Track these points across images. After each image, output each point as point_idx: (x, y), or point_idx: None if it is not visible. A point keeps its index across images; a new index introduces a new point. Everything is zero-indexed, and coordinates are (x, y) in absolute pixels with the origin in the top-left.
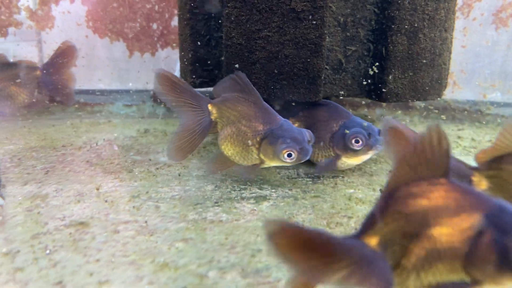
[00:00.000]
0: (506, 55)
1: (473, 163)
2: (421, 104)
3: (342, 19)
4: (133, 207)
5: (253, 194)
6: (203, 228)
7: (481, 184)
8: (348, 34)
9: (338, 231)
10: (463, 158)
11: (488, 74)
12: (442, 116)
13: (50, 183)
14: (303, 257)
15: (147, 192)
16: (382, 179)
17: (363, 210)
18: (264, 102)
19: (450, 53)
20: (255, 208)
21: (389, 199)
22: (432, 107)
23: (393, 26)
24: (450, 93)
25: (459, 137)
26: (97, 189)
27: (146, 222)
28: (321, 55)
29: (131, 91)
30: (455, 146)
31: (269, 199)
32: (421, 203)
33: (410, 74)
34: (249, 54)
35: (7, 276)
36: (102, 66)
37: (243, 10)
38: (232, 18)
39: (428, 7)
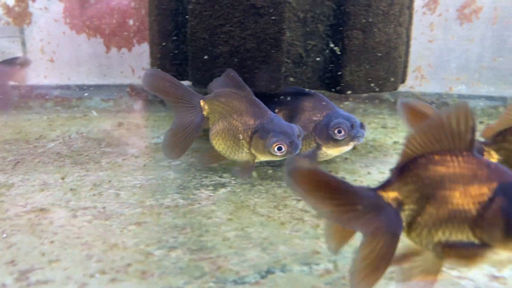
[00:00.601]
0: (471, 50)
1: None
2: (390, 97)
3: (302, 15)
4: (94, 194)
5: (213, 182)
6: (158, 212)
7: (491, 157)
8: (308, 29)
9: (285, 212)
10: None
11: (454, 68)
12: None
13: (18, 174)
14: (318, 196)
15: (110, 181)
16: (338, 166)
17: None
18: (255, 97)
19: (409, 47)
20: (211, 194)
21: (412, 164)
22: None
23: (348, 21)
24: (418, 86)
25: None
26: (63, 178)
27: (104, 208)
28: (280, 49)
29: (109, 86)
30: None
31: (227, 186)
32: (440, 169)
33: (366, 67)
34: (212, 48)
35: None
36: (80, 61)
37: (206, 6)
38: (196, 14)
39: (382, 3)
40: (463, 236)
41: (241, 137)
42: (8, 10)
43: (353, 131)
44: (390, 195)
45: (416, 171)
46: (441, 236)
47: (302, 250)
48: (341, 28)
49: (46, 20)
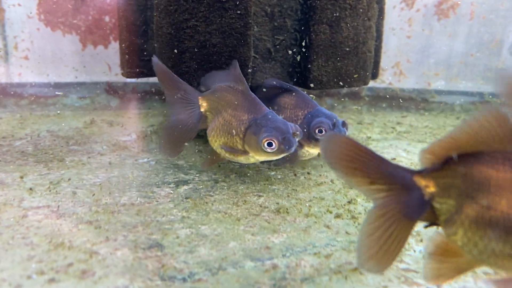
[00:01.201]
0: (448, 45)
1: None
2: (368, 93)
3: (269, 9)
4: (50, 193)
5: (176, 179)
6: (112, 211)
7: None
8: (275, 24)
9: (243, 208)
10: (395, 142)
11: (432, 63)
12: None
13: None
14: (353, 166)
15: (69, 179)
16: (304, 163)
17: (276, 190)
18: (251, 92)
19: (381, 41)
20: (171, 191)
21: (458, 158)
22: (379, 96)
23: (314, 16)
24: (397, 82)
25: (398, 123)
26: (21, 177)
27: (58, 207)
28: (247, 44)
29: (85, 84)
30: (391, 131)
31: (190, 182)
32: (487, 170)
33: (334, 62)
34: (178, 43)
35: None
36: (56, 59)
37: (171, 0)
38: (161, 8)
39: None
40: (506, 247)
41: (234, 133)
42: None
43: (335, 130)
44: (424, 182)
45: (459, 166)
46: (478, 240)
47: (253, 245)
48: (308, 23)
49: (20, 16)
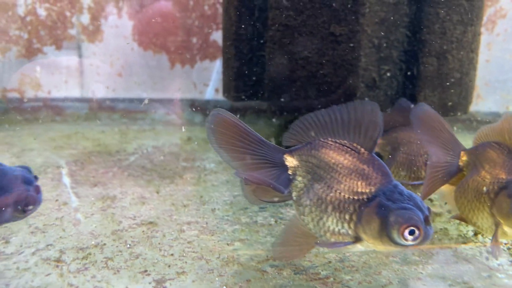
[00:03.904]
0: None
1: None
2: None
3: (376, 41)
4: (191, 208)
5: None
6: (256, 230)
7: None
8: (382, 55)
9: None
10: None
11: None
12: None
13: (115, 186)
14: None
15: (201, 196)
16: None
17: None
18: None
19: (476, 70)
20: None
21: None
22: (455, 118)
23: (424, 49)
24: (474, 105)
25: None
26: (157, 192)
27: (206, 223)
28: (357, 74)
29: (171, 100)
30: None
31: None
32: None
33: (440, 92)
34: (290, 73)
35: (101, 263)
36: (146, 76)
37: (285, 33)
38: (275, 40)
39: (457, 31)
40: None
41: (484, 190)
42: (83, 28)
43: None
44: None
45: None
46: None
47: (404, 275)
48: (416, 55)
49: (116, 37)
